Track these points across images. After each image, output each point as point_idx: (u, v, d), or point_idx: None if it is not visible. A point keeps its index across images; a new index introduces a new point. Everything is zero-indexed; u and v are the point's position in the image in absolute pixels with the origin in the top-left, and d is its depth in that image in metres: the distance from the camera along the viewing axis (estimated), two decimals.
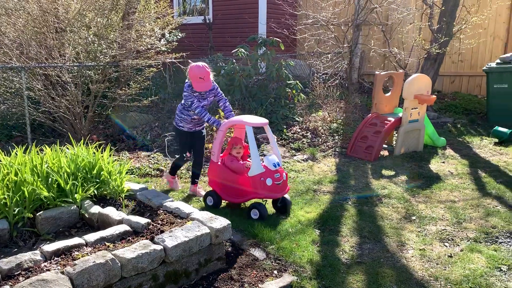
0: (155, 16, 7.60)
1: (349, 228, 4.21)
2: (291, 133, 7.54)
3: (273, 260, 3.57)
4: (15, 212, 3.38)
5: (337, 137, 7.42)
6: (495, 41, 10.18)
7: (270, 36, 9.20)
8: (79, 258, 2.78)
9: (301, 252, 3.68)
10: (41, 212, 3.52)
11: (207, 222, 3.36)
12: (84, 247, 3.01)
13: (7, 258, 2.77)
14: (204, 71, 4.51)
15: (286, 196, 4.54)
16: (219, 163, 4.63)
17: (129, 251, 2.87)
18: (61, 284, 2.51)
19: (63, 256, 2.88)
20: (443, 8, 8.38)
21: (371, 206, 4.72)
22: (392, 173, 5.85)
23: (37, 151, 3.96)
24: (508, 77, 8.23)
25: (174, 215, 3.60)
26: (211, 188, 4.75)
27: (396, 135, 6.98)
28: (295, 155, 6.65)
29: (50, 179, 3.69)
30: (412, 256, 3.68)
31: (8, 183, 3.52)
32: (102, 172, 3.99)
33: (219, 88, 4.85)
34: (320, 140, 7.31)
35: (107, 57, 6.69)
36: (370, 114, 7.00)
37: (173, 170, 5.25)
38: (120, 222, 3.39)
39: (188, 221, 3.43)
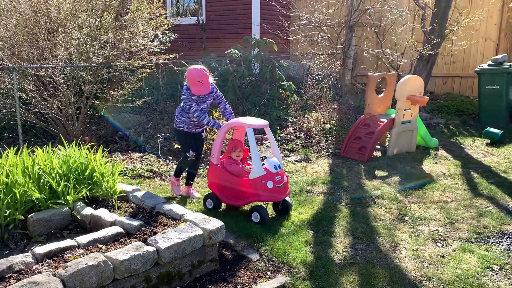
0: (148, 17, 7.56)
1: (343, 228, 4.22)
2: (285, 134, 7.55)
3: (267, 261, 3.57)
4: (6, 214, 3.35)
5: (330, 138, 7.44)
6: (486, 43, 10.27)
7: (263, 37, 9.21)
8: (71, 260, 2.77)
9: (295, 253, 3.68)
10: (33, 214, 3.49)
11: (200, 224, 3.35)
12: (76, 249, 2.99)
13: None
14: (203, 75, 4.43)
15: (287, 198, 4.50)
16: (218, 165, 4.58)
17: (121, 253, 2.85)
18: (53, 287, 2.49)
19: (55, 258, 2.86)
20: (436, 9, 8.45)
21: (364, 207, 4.74)
22: (385, 173, 5.88)
23: (29, 153, 3.93)
24: (499, 79, 8.30)
25: (167, 216, 3.58)
26: (210, 191, 4.67)
27: (389, 136, 7.01)
28: (288, 156, 6.66)
29: (41, 181, 3.67)
30: (405, 257, 3.69)
31: None
32: (94, 174, 3.96)
33: (218, 91, 4.76)
34: (314, 141, 7.33)
35: (99, 58, 6.65)
36: (363, 115, 7.03)
37: (178, 173, 5.07)
38: (112, 223, 3.37)
39: (181, 222, 3.42)
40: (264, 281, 3.27)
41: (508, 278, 3.33)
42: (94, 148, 4.31)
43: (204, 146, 5.62)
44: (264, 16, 11.02)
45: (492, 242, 3.91)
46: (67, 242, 3.01)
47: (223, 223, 3.43)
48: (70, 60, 6.70)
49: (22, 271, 2.69)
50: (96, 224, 3.50)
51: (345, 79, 9.30)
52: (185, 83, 4.60)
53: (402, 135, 6.70)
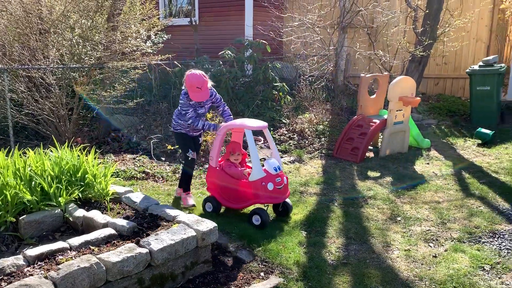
0: (140, 18, 7.53)
1: (335, 229, 4.23)
2: (278, 135, 7.56)
3: (260, 262, 3.57)
4: None
5: (323, 139, 7.46)
6: (477, 44, 10.35)
7: (256, 39, 9.23)
8: (63, 262, 2.75)
9: (288, 253, 3.69)
10: (24, 216, 3.46)
11: (193, 225, 3.35)
12: (68, 251, 2.97)
13: None
14: (202, 81, 4.33)
15: (288, 200, 4.47)
16: (217, 168, 4.53)
17: (114, 255, 2.84)
18: None
19: (47, 260, 2.84)
20: (427, 11, 8.50)
21: (357, 208, 4.76)
22: (378, 174, 5.90)
23: (20, 154, 3.90)
24: (490, 80, 8.37)
25: (160, 218, 3.58)
26: (209, 194, 4.61)
27: (381, 136, 7.05)
28: (282, 157, 6.66)
29: (33, 183, 3.64)
30: (398, 257, 3.71)
31: None
32: (86, 175, 3.94)
33: (217, 94, 4.69)
34: (307, 142, 7.34)
35: (92, 59, 6.62)
36: (355, 116, 7.05)
37: (187, 185, 4.82)
38: (105, 225, 3.36)
39: (174, 224, 3.41)
40: (257, 282, 3.27)
41: (499, 278, 3.36)
42: (86, 150, 4.29)
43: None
44: (257, 18, 11.02)
45: (484, 242, 3.94)
46: (59, 244, 2.99)
47: (216, 225, 3.43)
48: (62, 61, 6.66)
49: (13, 274, 2.67)
50: (89, 226, 3.48)
51: (338, 80, 9.33)
52: (183, 88, 4.52)
53: (394, 136, 6.74)
